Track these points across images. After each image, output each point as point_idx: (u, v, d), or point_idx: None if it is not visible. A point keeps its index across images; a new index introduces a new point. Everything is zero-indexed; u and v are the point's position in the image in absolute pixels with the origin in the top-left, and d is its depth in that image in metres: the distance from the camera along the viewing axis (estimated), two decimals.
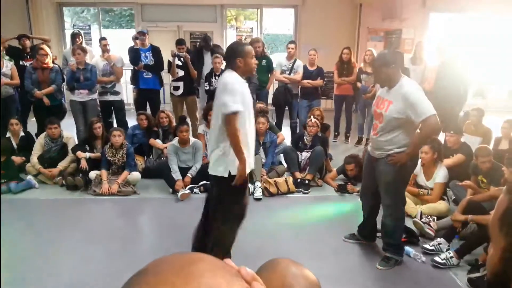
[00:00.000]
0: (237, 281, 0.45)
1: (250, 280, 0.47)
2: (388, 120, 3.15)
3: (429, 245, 3.69)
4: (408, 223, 4.04)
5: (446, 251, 3.55)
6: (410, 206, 4.34)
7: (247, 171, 2.98)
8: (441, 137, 5.19)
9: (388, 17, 9.48)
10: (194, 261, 0.45)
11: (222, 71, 6.27)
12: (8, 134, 5.61)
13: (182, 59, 6.37)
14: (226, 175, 2.95)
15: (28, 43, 6.65)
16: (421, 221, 3.97)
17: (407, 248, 3.68)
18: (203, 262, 0.45)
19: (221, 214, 3.09)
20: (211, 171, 3.04)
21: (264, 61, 6.59)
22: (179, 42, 6.54)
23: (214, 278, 0.43)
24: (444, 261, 3.44)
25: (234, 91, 2.83)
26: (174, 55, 6.35)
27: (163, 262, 0.46)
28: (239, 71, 2.96)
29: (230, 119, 2.81)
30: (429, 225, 3.94)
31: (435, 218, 4.08)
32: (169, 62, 6.46)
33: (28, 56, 6.52)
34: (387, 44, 9.72)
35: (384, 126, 3.21)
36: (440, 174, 4.35)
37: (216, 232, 3.13)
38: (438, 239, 3.71)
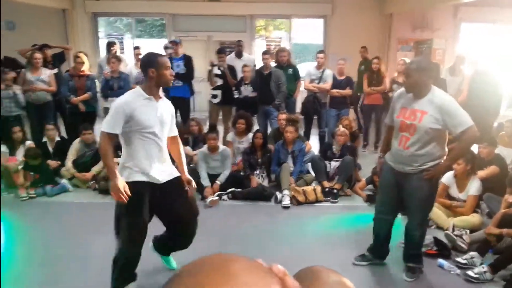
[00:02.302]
0: (271, 278, 0.46)
1: (282, 276, 0.48)
2: (424, 131, 2.99)
3: (462, 258, 3.59)
4: (440, 235, 3.97)
5: (480, 265, 3.46)
6: (442, 218, 4.26)
7: (142, 179, 2.85)
8: (475, 149, 5.08)
9: (419, 27, 9.39)
10: (229, 261, 0.46)
11: (251, 79, 6.35)
12: (44, 139, 5.81)
13: (220, 68, 6.46)
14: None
15: (49, 52, 6.76)
16: (454, 234, 3.88)
17: (440, 260, 3.61)
18: (237, 262, 0.46)
19: (115, 224, 2.94)
20: None
21: (290, 70, 6.64)
22: (219, 51, 6.65)
23: (249, 276, 0.44)
24: (477, 275, 3.35)
25: (116, 113, 2.75)
26: (212, 65, 6.46)
27: (197, 264, 0.47)
28: (152, 82, 2.85)
29: (101, 136, 2.82)
30: (462, 238, 3.85)
31: (468, 231, 3.98)
32: (208, 71, 6.58)
33: (49, 65, 6.64)
34: (417, 54, 9.62)
35: (418, 138, 3.03)
36: (474, 186, 4.25)
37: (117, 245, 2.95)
38: (471, 253, 3.62)
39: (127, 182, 2.79)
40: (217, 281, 0.43)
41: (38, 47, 6.78)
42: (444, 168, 3.11)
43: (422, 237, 3.40)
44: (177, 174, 3.07)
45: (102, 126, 2.80)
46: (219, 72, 6.51)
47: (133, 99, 2.81)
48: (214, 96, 6.68)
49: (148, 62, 2.88)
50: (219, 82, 6.55)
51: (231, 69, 6.55)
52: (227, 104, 6.66)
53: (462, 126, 2.90)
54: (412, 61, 3.22)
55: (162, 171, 2.94)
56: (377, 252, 3.61)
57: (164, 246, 3.41)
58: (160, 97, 2.95)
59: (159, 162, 2.93)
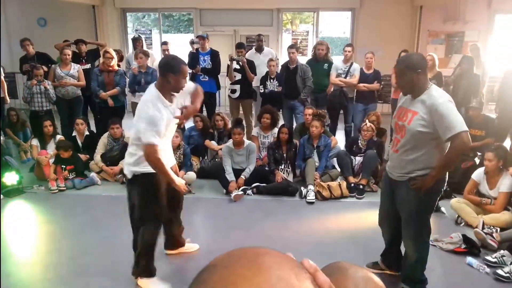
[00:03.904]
0: (303, 273, 0.46)
1: (313, 272, 0.48)
2: (412, 134, 2.69)
3: (492, 257, 3.50)
4: (469, 233, 3.87)
5: (511, 264, 3.36)
6: (471, 215, 4.16)
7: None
8: (507, 144, 4.93)
9: (450, 19, 9.11)
10: (261, 254, 0.46)
11: (277, 73, 6.32)
12: (74, 133, 5.96)
13: (239, 63, 6.47)
14: (136, 173, 2.95)
15: (84, 48, 6.93)
16: (483, 232, 3.78)
17: (469, 258, 3.53)
18: (270, 255, 0.46)
19: (137, 214, 3.11)
20: (126, 172, 3.05)
21: (325, 65, 6.55)
22: (239, 46, 6.65)
23: (283, 270, 0.44)
24: (508, 274, 3.26)
25: (153, 120, 2.73)
26: (231, 59, 6.46)
27: (231, 255, 0.47)
28: (167, 87, 2.83)
29: (149, 150, 2.74)
30: (492, 236, 3.74)
31: (498, 229, 3.87)
32: (228, 65, 6.59)
33: (83, 60, 6.82)
34: (449, 47, 9.35)
35: (406, 141, 2.75)
36: (505, 183, 4.11)
37: (138, 235, 3.14)
38: (502, 251, 3.52)
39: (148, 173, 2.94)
40: (250, 273, 0.42)
41: (74, 42, 6.97)
42: (431, 179, 2.70)
43: (419, 261, 2.99)
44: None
45: (144, 139, 2.72)
46: (238, 66, 6.50)
47: (159, 99, 2.83)
48: (233, 91, 6.69)
49: (171, 67, 2.82)
50: (238, 76, 6.55)
51: (250, 64, 6.53)
52: (246, 98, 6.67)
53: (451, 131, 2.53)
54: (402, 59, 2.80)
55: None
56: (388, 261, 3.37)
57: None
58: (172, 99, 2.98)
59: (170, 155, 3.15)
